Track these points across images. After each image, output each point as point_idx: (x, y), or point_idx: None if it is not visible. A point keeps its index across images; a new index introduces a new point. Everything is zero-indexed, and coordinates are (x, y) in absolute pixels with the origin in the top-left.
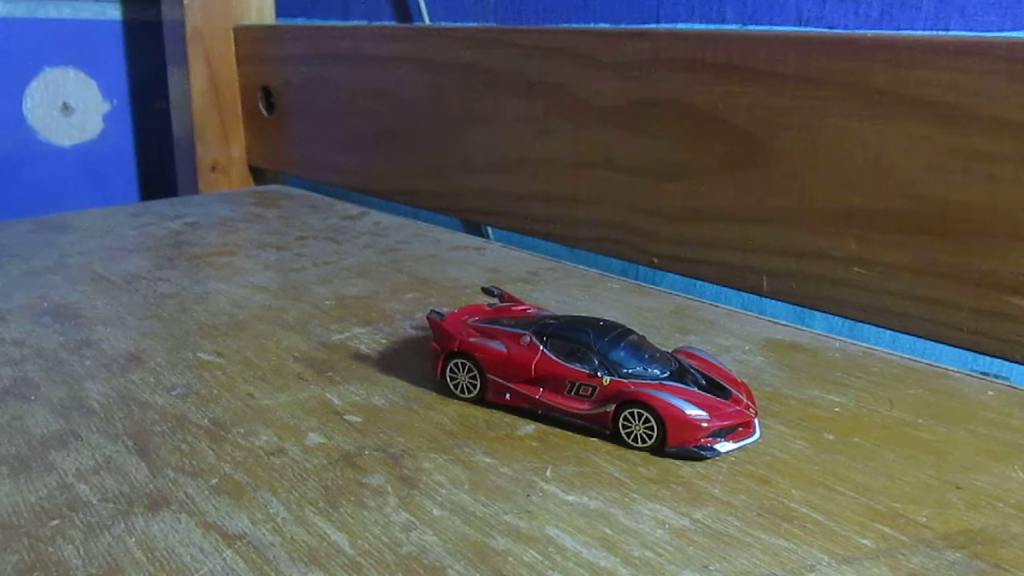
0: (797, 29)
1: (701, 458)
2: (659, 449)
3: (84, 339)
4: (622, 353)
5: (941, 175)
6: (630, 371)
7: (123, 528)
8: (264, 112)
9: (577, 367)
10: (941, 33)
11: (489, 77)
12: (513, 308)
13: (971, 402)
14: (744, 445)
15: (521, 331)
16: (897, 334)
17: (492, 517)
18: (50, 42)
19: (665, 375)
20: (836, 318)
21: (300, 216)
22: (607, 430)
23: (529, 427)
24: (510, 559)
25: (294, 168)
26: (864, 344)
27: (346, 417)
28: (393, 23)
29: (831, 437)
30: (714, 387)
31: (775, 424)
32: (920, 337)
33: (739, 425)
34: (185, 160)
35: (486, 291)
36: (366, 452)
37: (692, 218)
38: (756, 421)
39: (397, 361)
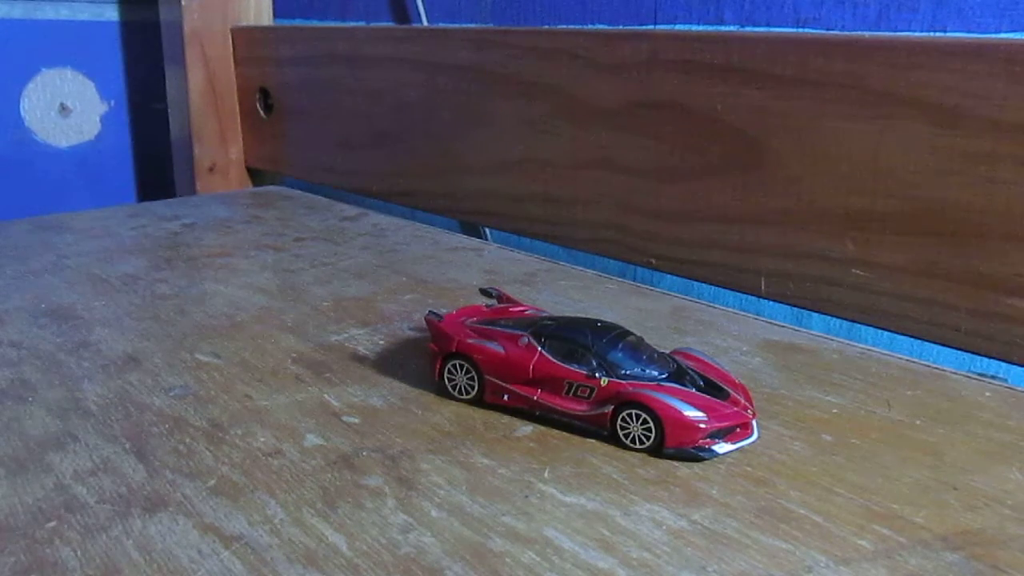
0: (795, 30)
1: (699, 459)
2: (657, 450)
3: (82, 340)
4: (620, 354)
5: (939, 177)
6: (628, 372)
7: (120, 529)
8: (262, 113)
9: (575, 368)
10: (939, 35)
11: (487, 78)
12: (511, 309)
13: (969, 403)
14: (742, 446)
15: (519, 332)
16: (895, 335)
17: (490, 518)
18: (47, 43)
19: (663, 376)
20: (834, 319)
21: (298, 217)
22: (605, 431)
23: (527, 428)
24: (508, 560)
25: (292, 169)
26: (862, 345)
27: (344, 418)
28: (391, 24)
29: (829, 438)
30: (712, 388)
31: (773, 425)
32: (918, 338)
33: (737, 426)
34: (183, 161)
35: (484, 292)
36: (364, 453)
37: (690, 219)
38: (754, 422)
39: (395, 362)
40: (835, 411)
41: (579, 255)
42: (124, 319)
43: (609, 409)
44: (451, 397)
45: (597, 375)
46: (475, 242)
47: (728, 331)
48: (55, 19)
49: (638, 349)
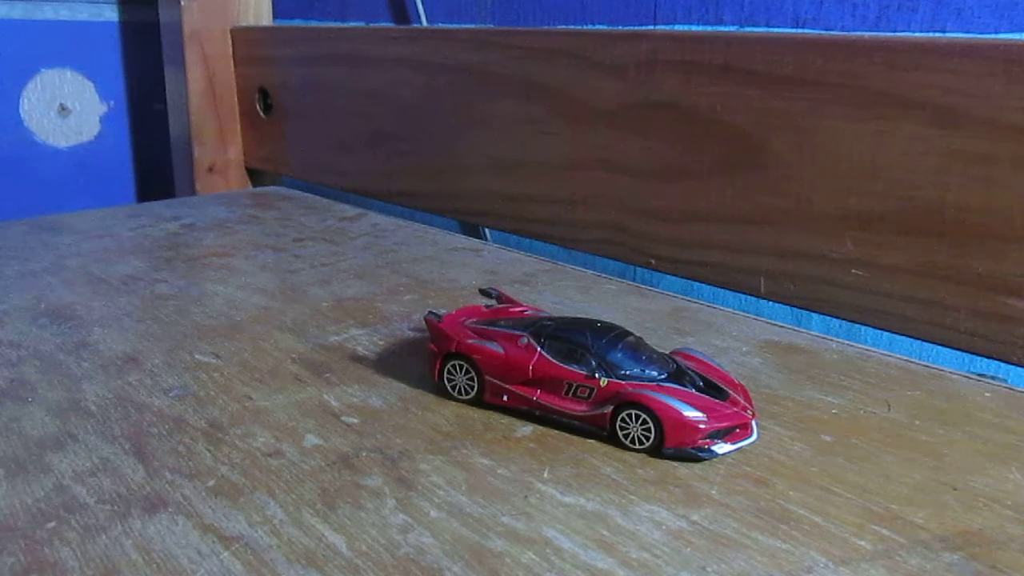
0: (794, 31)
1: (698, 460)
2: (656, 451)
3: (81, 341)
4: (619, 354)
5: (938, 177)
6: (627, 372)
7: (120, 530)
8: (261, 113)
9: (574, 368)
10: (938, 35)
11: (487, 79)
12: (511, 310)
13: (968, 404)
14: (741, 447)
15: (519, 332)
16: (894, 335)
17: (489, 518)
18: (47, 44)
19: (663, 376)
20: (833, 319)
21: (297, 218)
22: (604, 431)
23: (526, 428)
24: (507, 560)
25: (291, 170)
26: (861, 345)
27: (343, 419)
28: (391, 24)
29: (828, 439)
30: (712, 389)
31: (772, 426)
32: (917, 338)
33: (736, 427)
34: (182, 161)
35: (484, 292)
36: (363, 454)
37: (689, 219)
38: (753, 423)
39: (395, 362)
40: (835, 411)
41: (579, 255)
42: (124, 319)
43: (609, 409)
44: (450, 397)
45: (597, 375)
46: (475, 242)
47: (728, 331)
48: (54, 19)
49: (638, 349)
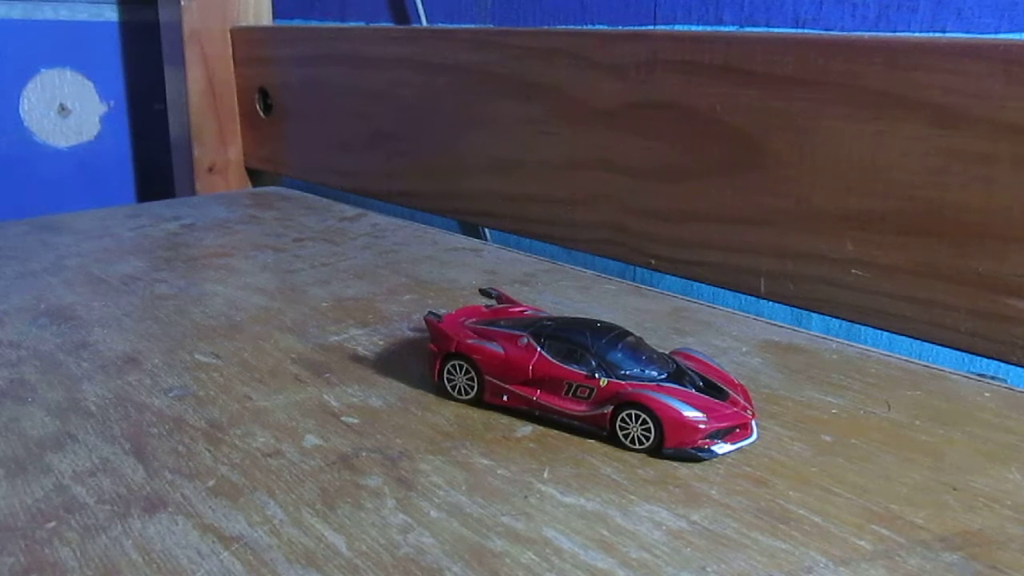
0: (794, 31)
1: (698, 460)
2: (656, 451)
3: (81, 341)
4: (619, 354)
5: (938, 177)
6: (627, 372)
7: (120, 530)
8: (261, 113)
9: (574, 368)
10: (938, 35)
11: (487, 79)
12: (510, 310)
13: (968, 404)
14: (741, 447)
15: (518, 332)
16: (894, 335)
17: (489, 519)
18: (47, 44)
19: (662, 377)
20: (833, 319)
21: (297, 218)
22: (604, 431)
23: (526, 429)
24: (507, 560)
25: (291, 170)
26: (861, 345)
27: (343, 419)
28: (391, 24)
29: (828, 439)
30: (711, 389)
31: (772, 426)
32: (917, 339)
33: (736, 427)
34: (182, 161)
35: (484, 293)
36: (363, 454)
37: (689, 219)
38: (753, 423)
39: (394, 363)
40: (835, 411)
41: (579, 255)
42: (123, 319)
43: (608, 409)
44: (450, 397)
45: (596, 375)
46: (475, 242)
47: (728, 331)
48: (54, 19)
49: (637, 349)
